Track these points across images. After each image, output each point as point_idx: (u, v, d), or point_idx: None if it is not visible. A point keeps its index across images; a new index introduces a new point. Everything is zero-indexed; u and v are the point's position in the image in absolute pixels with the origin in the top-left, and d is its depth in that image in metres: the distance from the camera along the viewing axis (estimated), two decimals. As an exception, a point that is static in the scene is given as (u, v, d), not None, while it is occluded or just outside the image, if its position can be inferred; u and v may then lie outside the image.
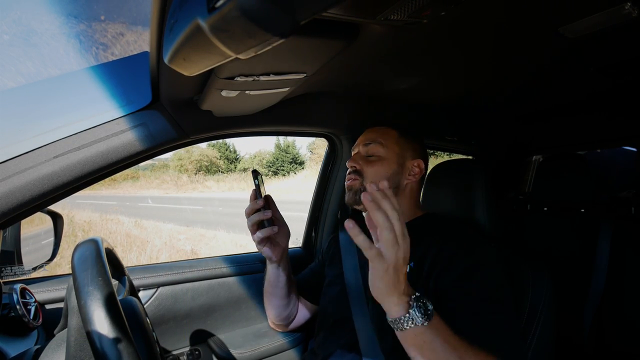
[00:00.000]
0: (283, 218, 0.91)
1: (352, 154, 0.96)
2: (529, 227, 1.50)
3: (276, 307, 1.01)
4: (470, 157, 1.80)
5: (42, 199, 0.72)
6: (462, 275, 0.72)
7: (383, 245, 0.55)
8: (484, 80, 1.04)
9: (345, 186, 0.92)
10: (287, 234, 0.92)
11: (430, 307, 0.57)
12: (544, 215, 1.49)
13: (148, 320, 0.64)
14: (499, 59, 0.86)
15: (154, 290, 1.07)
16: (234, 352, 1.09)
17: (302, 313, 1.07)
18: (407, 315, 0.55)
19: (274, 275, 0.94)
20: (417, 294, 0.56)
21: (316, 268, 1.11)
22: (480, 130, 1.63)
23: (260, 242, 0.85)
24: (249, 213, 0.83)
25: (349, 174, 0.92)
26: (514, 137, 1.73)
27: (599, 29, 0.67)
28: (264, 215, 0.82)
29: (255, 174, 0.83)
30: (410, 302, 0.56)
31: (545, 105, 1.35)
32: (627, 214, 1.36)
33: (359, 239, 0.55)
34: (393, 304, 0.56)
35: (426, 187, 1.05)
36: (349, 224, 0.54)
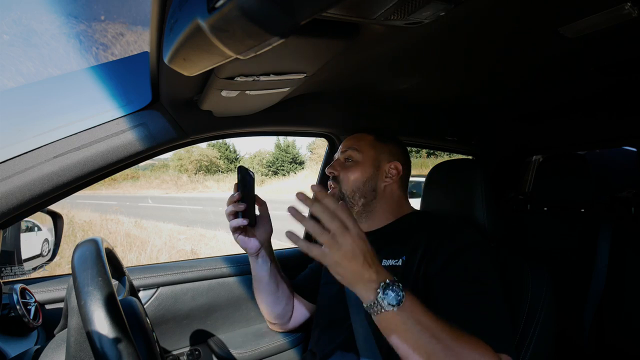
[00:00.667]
0: (268, 215, 0.93)
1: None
2: (529, 227, 1.50)
3: (265, 303, 1.01)
4: (470, 157, 1.80)
5: (42, 199, 0.72)
6: (447, 261, 0.74)
7: (325, 247, 0.58)
8: (484, 81, 1.04)
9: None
10: (267, 230, 0.93)
11: (401, 293, 0.57)
12: (544, 215, 1.49)
13: (148, 320, 0.64)
14: (499, 59, 0.86)
15: (154, 290, 1.07)
16: (234, 352, 1.09)
17: (302, 313, 1.07)
18: (376, 301, 0.57)
19: (254, 269, 0.96)
20: (387, 280, 0.57)
21: (316, 268, 1.11)
22: (480, 130, 1.63)
23: (233, 231, 0.88)
24: (228, 203, 0.87)
25: (330, 180, 0.96)
26: (514, 137, 1.73)
27: (599, 29, 0.67)
28: (237, 207, 0.85)
29: (240, 170, 0.87)
30: (378, 290, 0.57)
31: (545, 105, 1.35)
32: (627, 214, 1.36)
33: (300, 244, 0.60)
34: (362, 291, 0.58)
35: (426, 187, 1.05)
36: (288, 234, 0.60)
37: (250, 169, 0.88)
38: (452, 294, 0.70)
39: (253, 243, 0.91)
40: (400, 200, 0.96)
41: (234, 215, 0.86)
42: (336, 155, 1.00)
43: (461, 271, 0.72)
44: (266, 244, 0.94)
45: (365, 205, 0.93)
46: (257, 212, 0.91)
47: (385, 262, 0.85)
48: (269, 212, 0.94)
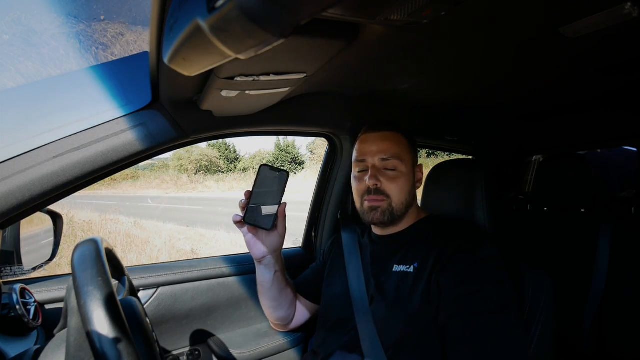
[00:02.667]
0: (283, 226, 0.89)
1: (362, 164, 0.90)
2: (529, 227, 1.50)
3: (267, 306, 1.02)
4: (470, 157, 1.80)
5: (42, 199, 0.72)
6: (461, 274, 0.73)
7: None
8: (484, 81, 1.04)
9: (366, 205, 0.87)
10: (276, 240, 0.89)
11: None
12: (544, 215, 1.49)
13: (148, 320, 0.64)
14: (499, 60, 0.86)
15: (154, 290, 1.07)
16: (234, 352, 1.09)
17: (303, 313, 1.07)
18: None
19: (257, 273, 0.96)
20: None
21: (318, 268, 1.11)
22: (480, 130, 1.63)
23: (244, 232, 0.87)
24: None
25: (371, 194, 0.86)
26: (514, 137, 1.73)
27: (599, 29, 0.67)
28: (242, 203, 0.83)
29: (260, 169, 0.85)
30: None
31: (545, 105, 1.35)
32: (627, 214, 1.36)
33: None
34: None
35: (426, 188, 1.05)
36: None
37: (282, 168, 0.84)
38: (469, 315, 0.69)
39: (258, 249, 0.88)
40: (417, 202, 0.95)
41: (243, 210, 0.83)
42: (369, 158, 0.88)
43: (478, 289, 0.71)
44: (273, 254, 0.91)
45: (405, 213, 0.89)
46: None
47: (397, 268, 0.84)
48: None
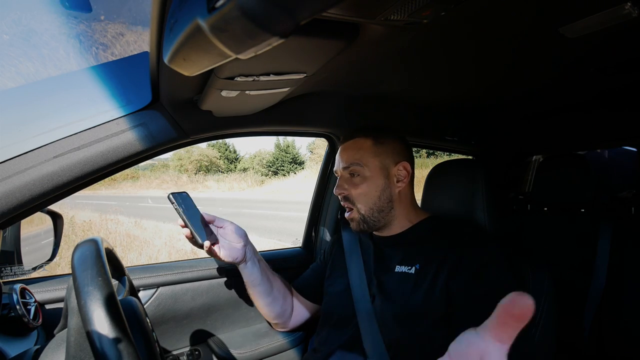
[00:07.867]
0: (228, 222, 0.95)
1: (337, 175, 0.95)
2: (529, 227, 1.50)
3: (263, 305, 1.02)
4: (470, 157, 1.80)
5: (42, 199, 0.72)
6: (471, 278, 0.74)
7: None
8: (484, 81, 1.04)
9: (347, 217, 0.93)
10: (239, 232, 0.94)
11: None
12: (544, 215, 1.49)
13: (148, 320, 0.64)
14: (499, 60, 0.86)
15: (154, 290, 1.07)
16: (234, 352, 1.09)
17: (302, 313, 1.07)
18: None
19: (246, 276, 0.97)
20: None
21: (318, 268, 1.11)
22: (480, 130, 1.63)
23: (214, 255, 0.90)
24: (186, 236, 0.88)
25: (342, 201, 0.93)
26: (514, 137, 1.73)
27: (599, 29, 0.67)
28: (186, 234, 0.87)
29: (168, 198, 0.87)
30: None
31: (545, 105, 1.35)
32: (627, 214, 1.36)
33: None
34: None
35: (426, 188, 1.05)
36: None
37: (181, 191, 0.89)
38: (480, 319, 0.70)
39: (236, 252, 0.92)
40: (414, 202, 0.94)
41: (193, 241, 0.87)
42: (337, 170, 0.94)
43: (487, 292, 0.71)
44: (249, 245, 0.96)
45: (385, 217, 0.89)
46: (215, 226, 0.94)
47: (399, 268, 0.84)
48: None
